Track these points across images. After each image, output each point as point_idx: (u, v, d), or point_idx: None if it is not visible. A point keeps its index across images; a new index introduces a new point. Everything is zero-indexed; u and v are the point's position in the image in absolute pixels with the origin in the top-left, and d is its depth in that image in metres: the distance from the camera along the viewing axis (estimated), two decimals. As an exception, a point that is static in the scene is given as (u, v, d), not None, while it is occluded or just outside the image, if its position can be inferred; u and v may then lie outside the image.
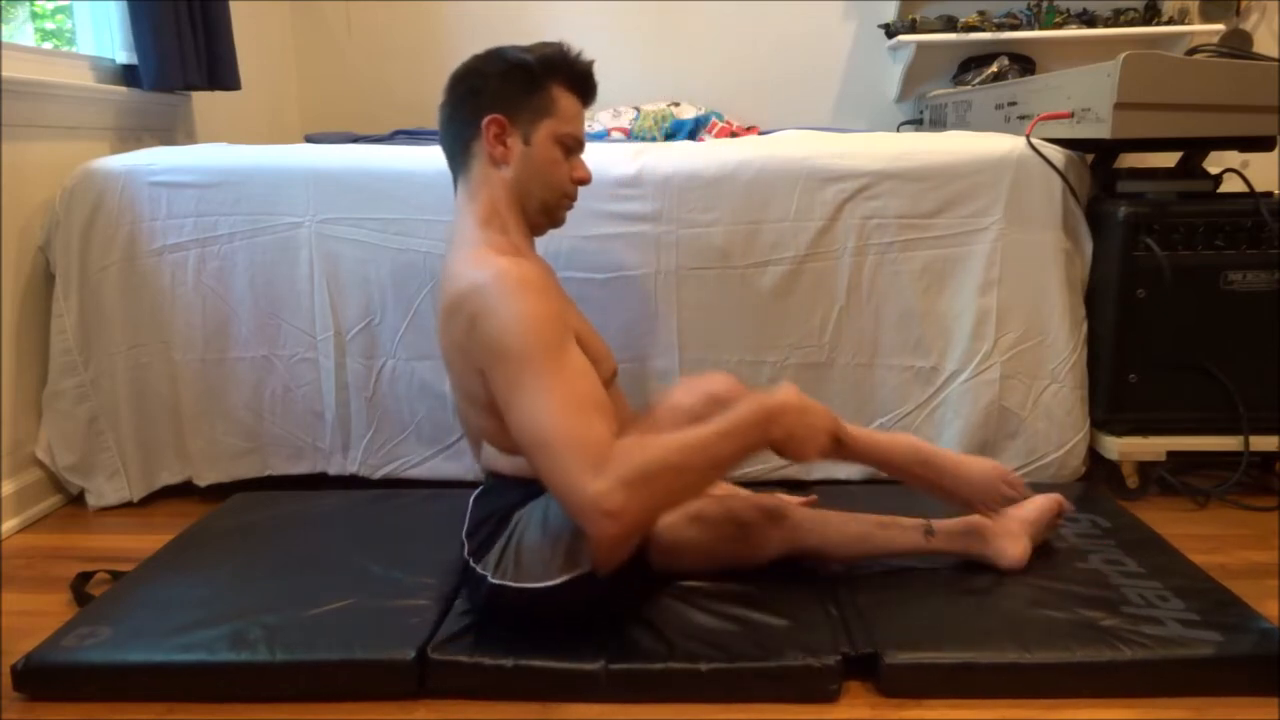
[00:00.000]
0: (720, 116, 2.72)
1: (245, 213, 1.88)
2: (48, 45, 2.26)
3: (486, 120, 1.34)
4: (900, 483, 1.41)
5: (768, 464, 1.78)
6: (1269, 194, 1.83)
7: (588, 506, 1.11)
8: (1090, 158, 1.97)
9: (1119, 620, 1.29)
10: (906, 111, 3.08)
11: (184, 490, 1.97)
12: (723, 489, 1.58)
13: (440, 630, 1.29)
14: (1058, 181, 1.82)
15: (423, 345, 1.88)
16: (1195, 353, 1.82)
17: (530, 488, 1.31)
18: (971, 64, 2.88)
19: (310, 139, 2.59)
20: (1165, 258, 1.77)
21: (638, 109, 2.76)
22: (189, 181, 1.89)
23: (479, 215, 1.35)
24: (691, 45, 3.05)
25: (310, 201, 1.87)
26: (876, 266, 1.84)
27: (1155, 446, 1.85)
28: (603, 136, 2.63)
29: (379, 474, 1.94)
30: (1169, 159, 2.02)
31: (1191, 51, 1.90)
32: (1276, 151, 1.90)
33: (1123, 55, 1.67)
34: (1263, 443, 1.83)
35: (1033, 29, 2.81)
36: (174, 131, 2.42)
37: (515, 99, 1.35)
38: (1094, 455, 1.90)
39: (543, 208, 1.40)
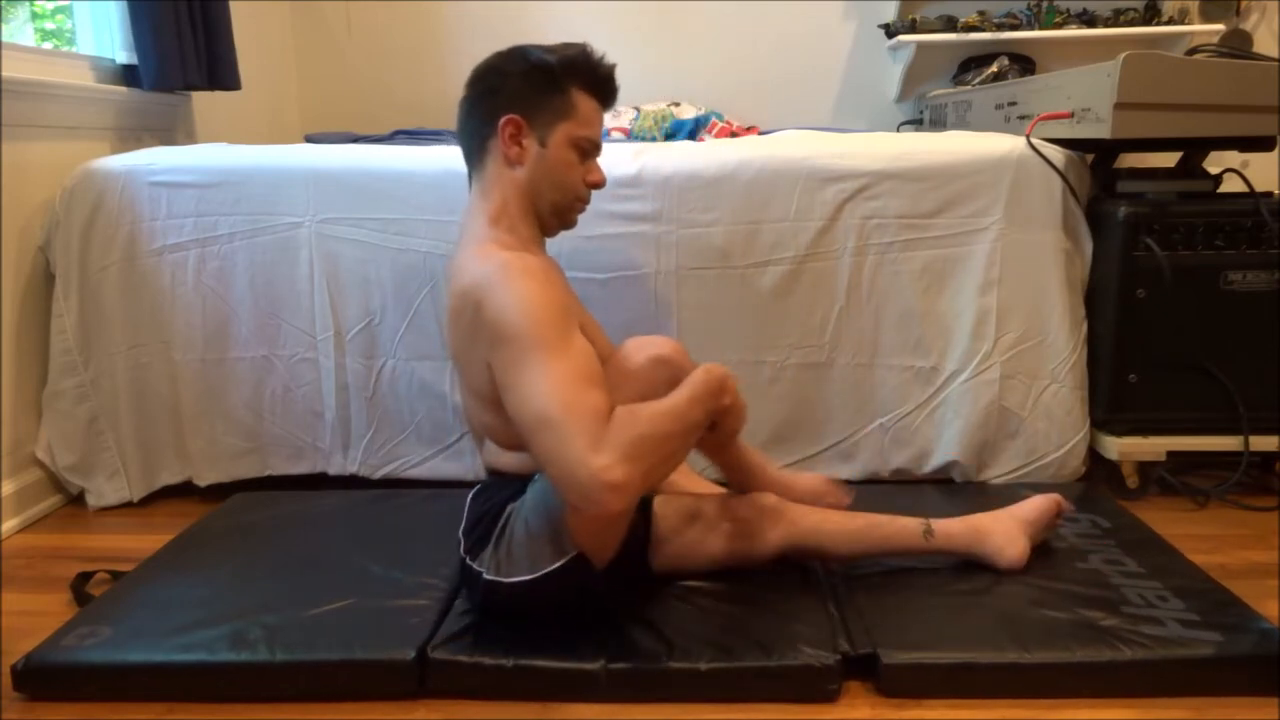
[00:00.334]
0: (720, 116, 2.72)
1: (245, 213, 1.88)
2: (48, 45, 2.26)
3: (503, 120, 1.34)
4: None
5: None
6: (1269, 194, 1.83)
7: (591, 481, 1.11)
8: (1090, 158, 1.97)
9: (1119, 620, 1.29)
10: (906, 111, 3.08)
11: (184, 490, 1.97)
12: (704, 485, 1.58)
13: (440, 630, 1.29)
14: (1058, 181, 1.82)
15: (423, 345, 1.88)
16: (1195, 353, 1.82)
17: (526, 482, 1.31)
18: (971, 64, 2.88)
19: (310, 139, 2.59)
20: (1165, 258, 1.77)
21: (638, 109, 2.76)
22: (189, 181, 1.89)
23: (490, 213, 1.35)
24: (691, 45, 3.05)
25: (310, 201, 1.87)
26: (876, 266, 1.84)
27: (1155, 446, 1.84)
28: (603, 137, 2.63)
29: (379, 474, 1.94)
30: (1169, 159, 2.02)
31: (1191, 51, 1.90)
32: (1276, 151, 1.90)
33: (1123, 55, 1.67)
34: (1263, 443, 1.83)
35: (1033, 29, 2.81)
36: (174, 131, 2.42)
37: (534, 100, 1.35)
38: (1094, 455, 1.90)
39: (554, 209, 1.40)
